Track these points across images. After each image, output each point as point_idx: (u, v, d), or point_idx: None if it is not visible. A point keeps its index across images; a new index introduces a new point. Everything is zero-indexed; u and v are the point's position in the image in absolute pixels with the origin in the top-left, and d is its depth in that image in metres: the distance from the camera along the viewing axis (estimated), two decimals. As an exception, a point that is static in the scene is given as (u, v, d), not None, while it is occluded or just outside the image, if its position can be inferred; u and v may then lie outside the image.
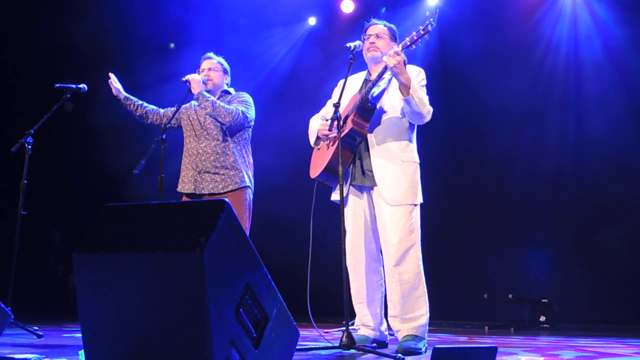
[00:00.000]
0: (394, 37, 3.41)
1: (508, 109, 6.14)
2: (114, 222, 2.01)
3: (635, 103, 5.71)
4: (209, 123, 3.73)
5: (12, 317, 3.16)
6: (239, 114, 3.66)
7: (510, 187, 6.24)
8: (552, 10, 6.20)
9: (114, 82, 3.91)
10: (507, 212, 6.24)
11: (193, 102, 3.94)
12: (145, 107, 3.94)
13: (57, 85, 4.20)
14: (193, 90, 3.66)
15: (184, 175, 3.75)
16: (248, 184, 3.72)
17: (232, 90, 3.94)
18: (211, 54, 3.94)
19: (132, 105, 3.93)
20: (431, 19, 2.95)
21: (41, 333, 3.74)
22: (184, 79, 3.72)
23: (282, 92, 7.21)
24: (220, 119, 3.63)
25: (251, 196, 3.77)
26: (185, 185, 3.71)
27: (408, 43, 3.02)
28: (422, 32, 2.96)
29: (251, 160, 3.86)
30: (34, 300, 6.60)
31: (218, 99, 3.83)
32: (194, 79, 3.68)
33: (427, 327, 3.18)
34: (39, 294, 7.13)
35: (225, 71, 3.94)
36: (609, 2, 5.90)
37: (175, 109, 3.72)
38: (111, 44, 6.91)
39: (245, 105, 3.77)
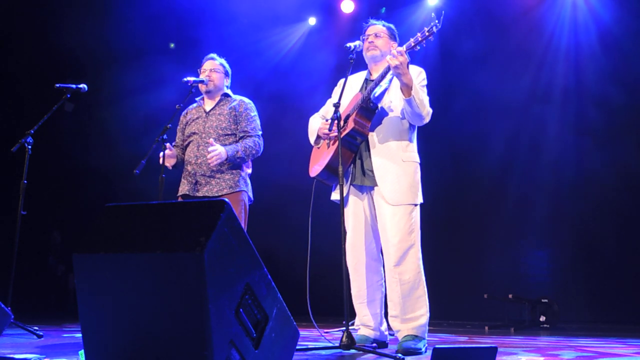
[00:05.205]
0: (393, 36, 3.41)
1: (508, 108, 6.13)
2: (113, 222, 2.01)
3: (637, 102, 5.70)
4: (209, 127, 3.73)
5: (12, 317, 3.15)
6: (260, 146, 3.79)
7: (510, 187, 6.23)
8: (552, 10, 6.19)
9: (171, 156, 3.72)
10: (507, 212, 6.23)
11: (193, 106, 3.94)
12: (178, 154, 3.89)
13: (57, 85, 4.20)
14: (221, 158, 3.56)
15: (182, 178, 3.77)
16: (244, 188, 3.72)
17: (230, 92, 3.94)
18: (214, 55, 3.93)
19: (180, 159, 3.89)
20: (436, 21, 2.94)
21: (41, 333, 3.74)
22: (185, 79, 3.72)
23: (282, 92, 7.20)
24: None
25: (247, 201, 3.77)
26: (183, 187, 3.72)
27: (412, 44, 3.01)
28: (426, 34, 2.95)
29: (250, 165, 3.86)
30: (34, 300, 6.60)
31: (219, 102, 3.84)
32: (220, 154, 3.55)
33: (427, 327, 3.18)
34: (39, 294, 7.12)
35: (226, 73, 3.94)
36: (610, 2, 5.89)
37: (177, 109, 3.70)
38: (111, 44, 6.91)
39: (257, 127, 3.82)
